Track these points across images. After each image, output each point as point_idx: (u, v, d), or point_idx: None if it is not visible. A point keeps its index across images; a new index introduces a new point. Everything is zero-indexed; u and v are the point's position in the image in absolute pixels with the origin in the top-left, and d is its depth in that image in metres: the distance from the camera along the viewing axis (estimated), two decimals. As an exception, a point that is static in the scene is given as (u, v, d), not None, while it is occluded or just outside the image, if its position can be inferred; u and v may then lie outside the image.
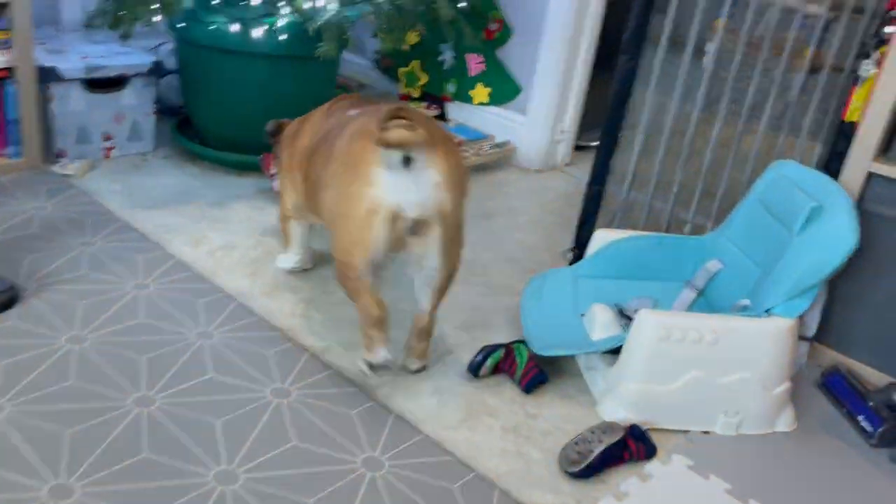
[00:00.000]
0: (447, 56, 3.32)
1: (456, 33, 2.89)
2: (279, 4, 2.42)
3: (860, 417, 1.78)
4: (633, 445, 1.59)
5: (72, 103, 2.53)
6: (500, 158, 3.15)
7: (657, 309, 1.98)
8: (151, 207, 2.39)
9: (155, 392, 1.59)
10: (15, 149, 2.46)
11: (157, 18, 2.33)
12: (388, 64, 3.55)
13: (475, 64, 3.25)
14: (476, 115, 3.30)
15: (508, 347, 1.80)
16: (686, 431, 1.71)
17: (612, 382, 1.72)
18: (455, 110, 3.36)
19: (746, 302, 1.80)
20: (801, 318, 1.72)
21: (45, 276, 1.93)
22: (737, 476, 1.59)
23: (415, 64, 3.44)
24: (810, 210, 1.70)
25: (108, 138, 2.66)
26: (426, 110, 3.28)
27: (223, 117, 2.64)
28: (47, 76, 2.44)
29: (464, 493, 1.45)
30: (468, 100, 3.31)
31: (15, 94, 2.38)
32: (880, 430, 1.73)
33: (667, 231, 2.38)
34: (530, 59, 3.10)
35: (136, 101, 2.68)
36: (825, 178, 1.80)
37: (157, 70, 2.72)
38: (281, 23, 2.42)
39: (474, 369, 1.77)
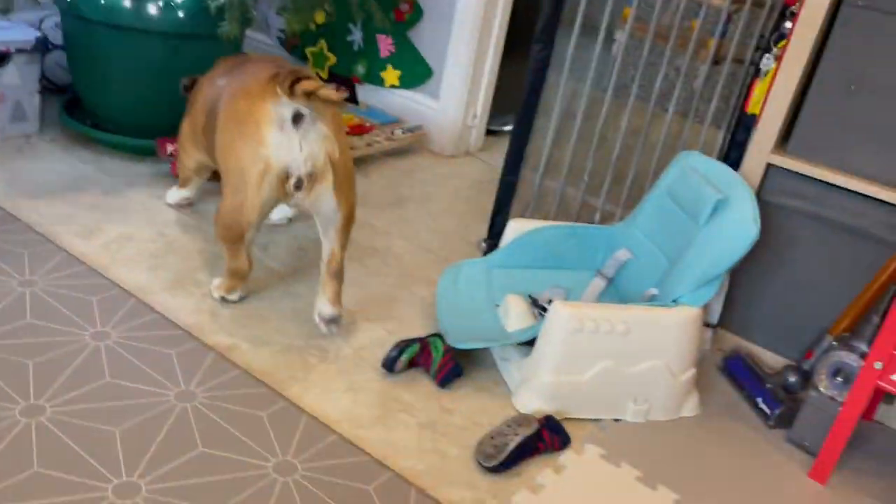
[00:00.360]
0: (357, 36, 3.24)
1: (365, 14, 2.81)
2: (178, -21, 2.29)
3: (759, 400, 1.86)
4: (547, 437, 1.60)
5: (-56, 81, 2.32)
6: (413, 143, 3.10)
7: (569, 298, 2.00)
8: (37, 196, 2.22)
9: (45, 400, 1.48)
10: None
11: (41, -9, 2.15)
12: (295, 43, 3.43)
13: (386, 45, 3.19)
14: (387, 97, 3.24)
15: (424, 341, 1.78)
16: (598, 420, 1.74)
17: (527, 374, 1.73)
18: (365, 92, 3.28)
19: (655, 291, 1.84)
20: (705, 306, 1.77)
21: (-83, 274, 1.77)
22: (646, 462, 1.63)
23: (322, 44, 3.34)
24: (715, 202, 1.74)
25: (-13, 119, 2.45)
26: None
27: (117, 98, 2.47)
28: (-86, 51, 2.22)
29: (380, 494, 1.42)
30: (379, 82, 3.24)
31: None
32: (777, 412, 1.81)
33: (578, 218, 2.41)
34: (441, 42, 3.06)
35: (18, 80, 2.48)
36: (728, 170, 1.85)
37: (41, 46, 2.52)
38: (179, -1, 2.28)
39: (389, 365, 1.74)
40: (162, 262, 2.02)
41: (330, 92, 1.57)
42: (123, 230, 2.13)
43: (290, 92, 1.57)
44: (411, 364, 1.77)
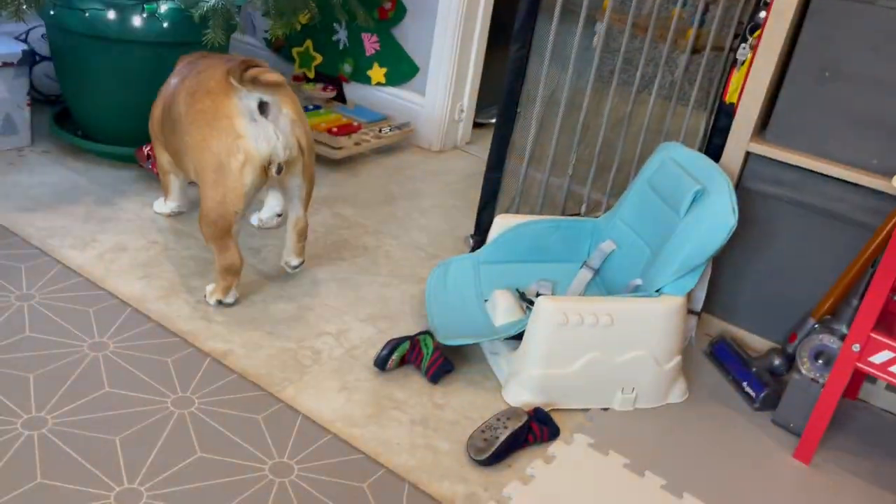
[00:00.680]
0: (342, 35, 3.26)
1: (348, 13, 2.84)
2: (159, -11, 2.31)
3: (744, 383, 1.90)
4: (536, 429, 1.64)
5: (-66, 99, 2.35)
6: (401, 140, 3.13)
7: (557, 290, 2.04)
8: (32, 209, 2.26)
9: (46, 412, 1.52)
10: None
11: (24, 6, 2.17)
12: (281, 44, 3.46)
13: (371, 44, 3.21)
14: (374, 95, 3.27)
15: (414, 339, 1.82)
16: (587, 410, 1.78)
17: (516, 367, 1.77)
18: (352, 91, 3.31)
19: (639, 282, 1.88)
20: (688, 295, 1.81)
21: (-84, 293, 1.81)
22: (634, 450, 1.68)
23: (308, 43, 3.36)
24: (694, 193, 1.78)
25: (-22, 134, 2.48)
26: (322, 92, 3.22)
27: (105, 108, 2.50)
28: None
29: (374, 491, 1.47)
30: (366, 80, 3.27)
31: None
32: (762, 394, 1.85)
33: (565, 209, 2.45)
34: (426, 39, 3.09)
35: (6, 94, 2.51)
36: (707, 161, 1.88)
37: (28, 58, 2.55)
38: (163, 9, 2.30)
39: (381, 363, 1.78)
40: (155, 270, 2.06)
41: (271, 75, 1.67)
42: (117, 240, 2.17)
43: (241, 80, 1.67)
44: (402, 362, 1.81)
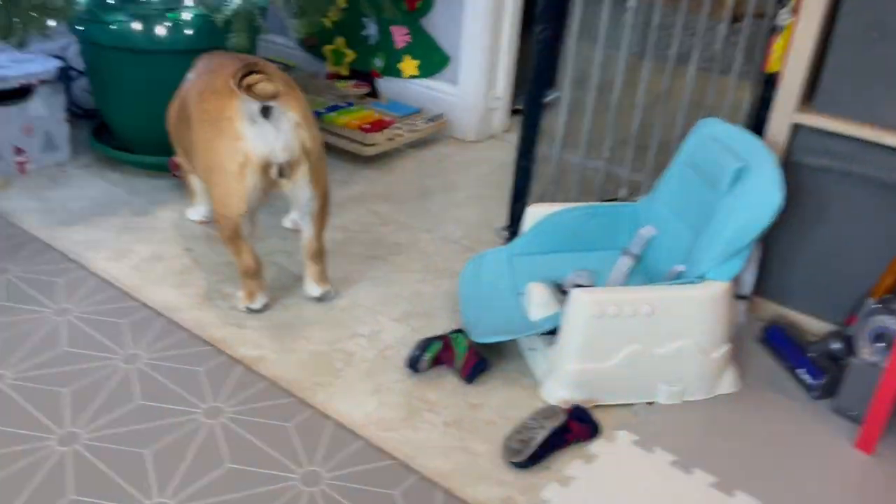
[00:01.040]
0: (372, 30, 3.22)
1: (375, 7, 2.79)
2: (181, -3, 2.30)
3: (800, 371, 1.79)
4: (575, 427, 1.58)
5: (-27, 120, 2.40)
6: (435, 132, 3.08)
7: (596, 280, 1.96)
8: (71, 223, 2.29)
9: (80, 427, 1.53)
10: (-82, 175, 2.34)
11: (52, 24, 2.19)
12: (313, 43, 3.44)
13: (401, 36, 3.16)
14: (407, 89, 3.22)
15: (446, 338, 1.77)
16: (630, 405, 1.70)
17: (553, 363, 1.70)
18: (385, 85, 3.27)
19: (681, 268, 1.78)
20: (735, 279, 1.71)
21: (-42, 312, 1.84)
22: (681, 446, 1.59)
23: (340, 41, 3.33)
24: (735, 171, 1.67)
25: (19, 152, 2.53)
26: (355, 89, 3.19)
27: (138, 119, 2.52)
28: (-58, 94, 2.31)
29: (406, 498, 1.43)
30: (398, 74, 3.22)
31: None
32: (821, 381, 1.74)
33: (603, 192, 2.35)
34: (455, 27, 3.02)
35: (44, 111, 2.56)
36: (749, 136, 1.77)
37: (64, 75, 2.59)
38: (186, 17, 2.30)
39: (413, 364, 1.74)
40: (189, 278, 2.06)
41: (265, 86, 1.64)
42: (152, 250, 2.18)
43: (239, 85, 1.64)
44: (436, 362, 1.76)
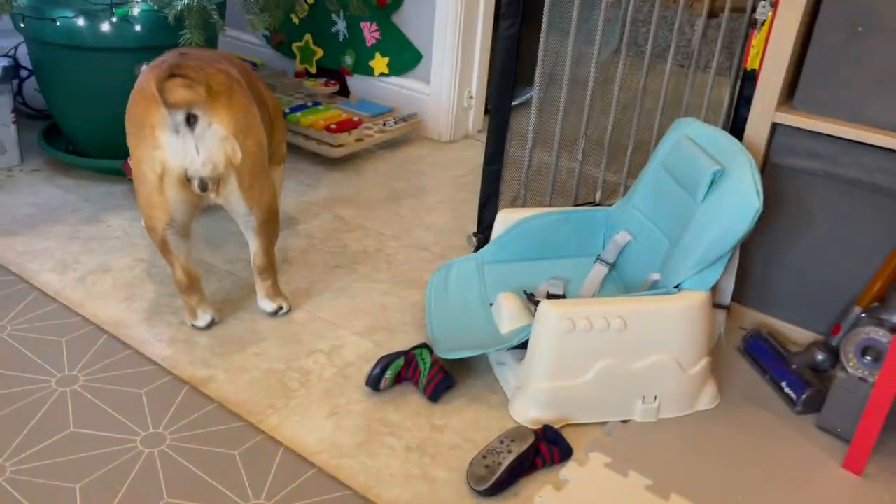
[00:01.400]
0: (341, 27, 3.10)
1: (341, 3, 2.68)
2: (130, -9, 2.17)
3: (783, 384, 1.69)
4: (545, 450, 1.47)
5: (-90, 124, 2.27)
6: (407, 132, 2.97)
7: (570, 289, 1.86)
8: (15, 232, 2.16)
9: (4, 459, 1.40)
10: None
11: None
12: (280, 40, 3.31)
13: (370, 33, 3.04)
14: (378, 87, 3.10)
15: (409, 354, 1.66)
16: (604, 424, 1.60)
17: (522, 380, 1.60)
18: (355, 84, 3.15)
19: (657, 276, 1.68)
20: (713, 288, 1.61)
21: None
22: (658, 468, 1.49)
23: (308, 37, 3.21)
24: (713, 174, 1.57)
25: (-37, 157, 2.40)
26: (324, 87, 3.06)
27: (88, 120, 2.39)
28: None
29: (361, 533, 1.31)
30: (369, 72, 3.10)
31: None
32: (804, 396, 1.64)
33: (578, 195, 2.25)
34: (427, 23, 2.91)
35: (-11, 113, 2.42)
36: (726, 137, 1.67)
37: (11, 74, 2.45)
38: (135, 11, 2.17)
39: (373, 383, 1.62)
40: (139, 291, 1.94)
41: (178, 93, 1.50)
42: (100, 261, 2.05)
43: (159, 91, 1.51)
44: (398, 380, 1.65)
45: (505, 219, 1.91)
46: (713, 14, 2.19)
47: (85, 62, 2.26)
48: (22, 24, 2.22)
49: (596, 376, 1.55)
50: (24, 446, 1.43)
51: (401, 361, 1.64)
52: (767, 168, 1.81)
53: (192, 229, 1.74)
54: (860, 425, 1.48)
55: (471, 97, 3.03)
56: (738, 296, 1.91)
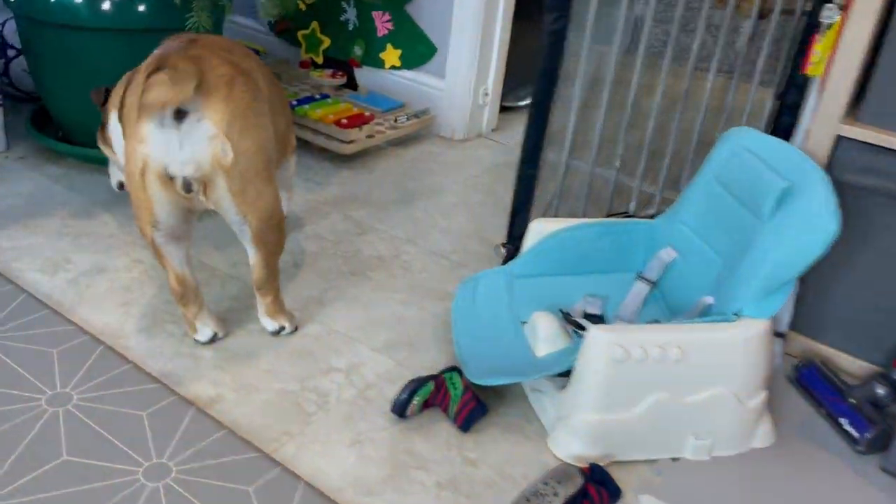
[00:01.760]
0: (350, 15, 2.93)
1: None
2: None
3: (843, 420, 1.56)
4: (594, 492, 1.33)
5: None
6: (420, 129, 2.80)
7: (607, 307, 1.71)
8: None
9: (-12, 492, 1.24)
10: None
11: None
12: (286, 27, 3.13)
13: (382, 23, 2.88)
14: (388, 80, 2.93)
15: (439, 378, 1.51)
16: (652, 462, 1.46)
17: (564, 411, 1.45)
18: (364, 76, 2.98)
19: (710, 300, 1.54)
20: (774, 315, 1.48)
21: None
22: (715, 513, 1.36)
23: (315, 25, 3.04)
24: (781, 191, 1.44)
25: (-57, 141, 2.21)
26: (331, 79, 2.89)
27: (83, 106, 2.19)
28: None
29: (394, 586, 1.16)
30: (379, 64, 2.94)
31: None
32: (868, 435, 1.51)
33: (611, 205, 2.11)
34: (444, 15, 2.75)
35: (-27, 94, 2.23)
36: (792, 150, 1.53)
37: (-2, 53, 2.27)
38: (138, -10, 2.00)
39: (399, 409, 1.47)
40: (137, 296, 1.77)
41: (156, 93, 1.33)
42: (94, 261, 1.88)
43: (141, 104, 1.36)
44: (426, 405, 1.50)
45: (538, 229, 1.76)
46: (762, 15, 2.05)
47: (81, 43, 2.08)
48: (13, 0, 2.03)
49: (647, 410, 1.41)
50: (10, 477, 1.26)
51: (430, 386, 1.49)
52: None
53: (190, 233, 1.57)
54: (936, 472, 1.36)
55: (486, 94, 2.88)
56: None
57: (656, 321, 1.59)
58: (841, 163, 1.65)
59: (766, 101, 2.16)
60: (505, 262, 1.88)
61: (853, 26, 1.55)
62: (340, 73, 2.94)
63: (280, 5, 2.12)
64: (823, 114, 1.64)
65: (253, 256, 1.59)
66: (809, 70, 1.71)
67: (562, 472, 1.35)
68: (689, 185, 1.73)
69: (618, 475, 1.40)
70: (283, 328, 1.67)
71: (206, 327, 1.63)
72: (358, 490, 1.33)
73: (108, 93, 1.95)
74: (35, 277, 1.79)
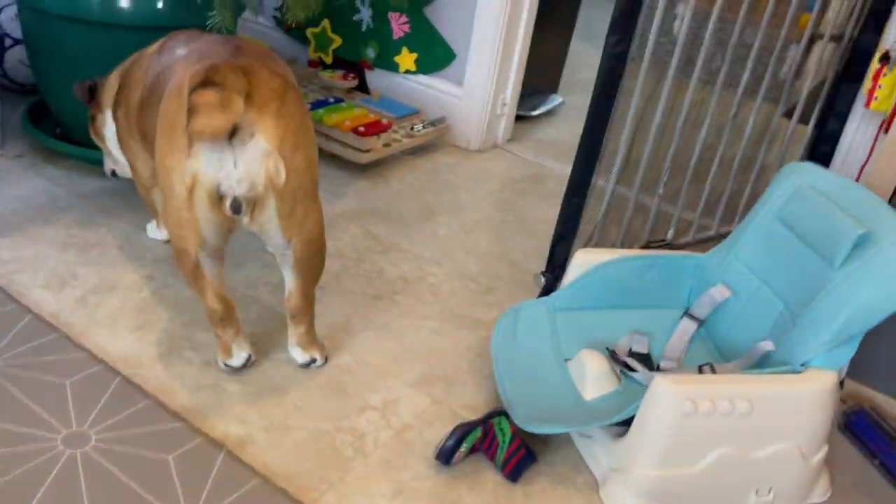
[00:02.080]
0: (365, 15, 2.81)
1: (378, -8, 2.39)
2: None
3: (899, 473, 1.50)
4: (657, 555, 1.25)
5: None
6: (435, 138, 2.70)
7: (653, 345, 1.63)
8: (-2, 234, 1.84)
9: (3, 551, 1.12)
10: None
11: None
12: (295, 23, 2.99)
13: (399, 25, 2.76)
14: (402, 85, 2.82)
15: (487, 424, 1.41)
16: (711, 517, 1.38)
17: (621, 463, 1.37)
18: (376, 79, 2.87)
19: (770, 346, 1.47)
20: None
21: None
22: (781, 579, 1.28)
23: (326, 24, 2.91)
24: (856, 239, 1.36)
25: (-66, 137, 2.05)
26: (343, 80, 2.77)
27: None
28: None
29: None
30: (393, 67, 2.82)
31: None
32: (928, 492, 1.45)
33: (652, 232, 2.02)
34: (465, 20, 2.64)
35: (-31, 88, 2.07)
36: (862, 192, 1.46)
37: (-3, 46, 2.12)
38: (157, -14, 1.86)
39: (446, 457, 1.37)
40: (151, 318, 1.64)
41: (206, 120, 1.21)
42: (102, 276, 1.75)
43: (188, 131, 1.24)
44: (471, 451, 1.41)
45: (583, 261, 1.67)
46: (811, 40, 1.98)
47: (91, 38, 1.94)
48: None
49: (710, 465, 1.33)
50: (27, 533, 1.14)
51: (478, 433, 1.39)
52: (886, 225, 1.60)
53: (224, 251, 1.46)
54: None
55: (504, 104, 2.78)
56: (831, 361, 1.71)
57: (709, 365, 1.51)
58: (902, 204, 1.59)
59: (809, 129, 2.10)
60: (544, 290, 1.79)
61: (928, 64, 1.49)
62: (352, 75, 2.82)
63: (307, 6, 1.99)
64: (888, 152, 1.57)
65: (291, 283, 1.48)
66: (873, 105, 1.65)
67: (625, 534, 1.26)
68: (745, 221, 1.65)
69: (677, 533, 1.32)
70: (314, 360, 1.57)
71: (241, 351, 1.51)
72: (406, 549, 1.24)
73: (92, 86, 1.82)
74: (40, 295, 1.65)
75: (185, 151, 1.30)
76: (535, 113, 3.10)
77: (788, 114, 2.09)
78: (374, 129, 2.44)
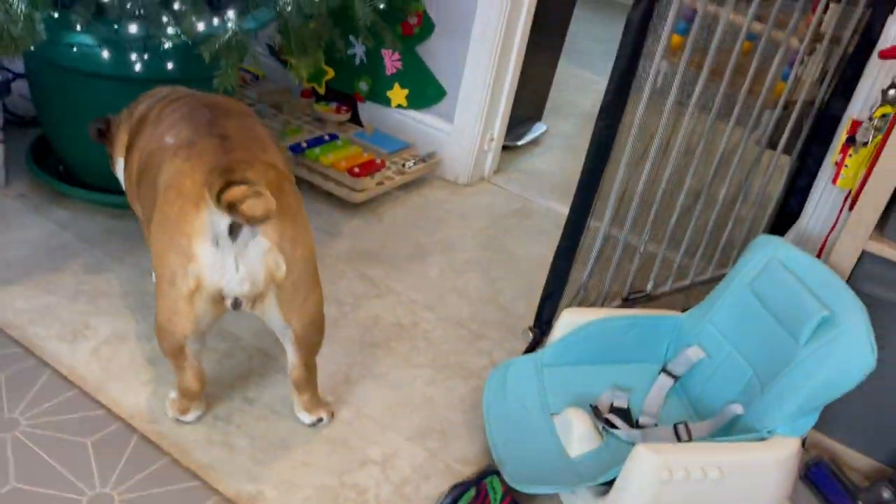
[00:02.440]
0: (358, 50, 2.89)
1: (374, 36, 2.48)
2: (164, 21, 1.92)
3: (854, 525, 1.65)
4: None
5: None
6: (425, 173, 2.80)
7: (632, 399, 1.76)
8: (11, 280, 1.91)
9: None
10: None
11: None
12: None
13: (391, 61, 2.85)
14: (394, 118, 2.91)
15: (481, 484, 1.53)
16: (683, 570, 1.52)
17: (602, 521, 1.50)
18: (368, 112, 2.96)
19: (739, 409, 1.61)
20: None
21: None
22: None
23: (319, 55, 2.98)
24: (820, 320, 1.50)
25: (-58, 179, 2.11)
26: (336, 114, 2.86)
27: (96, 152, 2.13)
28: None
29: None
30: (385, 101, 2.91)
31: None
32: (878, 543, 1.60)
33: (633, 279, 2.14)
34: (456, 60, 2.73)
35: (-25, 131, 2.13)
36: (826, 272, 1.59)
37: (4, 88, 2.17)
38: (166, 46, 1.93)
39: (442, 516, 1.49)
40: (161, 371, 1.74)
41: (255, 206, 1.27)
42: (114, 326, 1.84)
43: (217, 199, 1.28)
44: (466, 508, 1.53)
45: (570, 321, 1.79)
46: (786, 106, 2.11)
47: (101, 90, 2.01)
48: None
49: (684, 525, 1.47)
50: None
51: (472, 492, 1.51)
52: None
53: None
54: (947, 592, 1.45)
55: (492, 140, 2.89)
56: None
57: (685, 424, 1.64)
58: (862, 275, 1.72)
59: (780, 184, 2.23)
60: (531, 346, 1.91)
61: (891, 152, 1.61)
62: (345, 108, 2.91)
63: (310, 62, 2.07)
64: (851, 229, 1.70)
65: (292, 356, 1.57)
66: (840, 183, 1.78)
67: (606, 592, 1.39)
68: (720, 287, 1.78)
69: (653, 586, 1.46)
70: (320, 419, 1.67)
71: (198, 410, 1.62)
72: None
73: (102, 129, 1.86)
74: (56, 347, 1.74)
75: (188, 254, 1.35)
76: (520, 143, 3.20)
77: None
78: (369, 169, 2.53)
